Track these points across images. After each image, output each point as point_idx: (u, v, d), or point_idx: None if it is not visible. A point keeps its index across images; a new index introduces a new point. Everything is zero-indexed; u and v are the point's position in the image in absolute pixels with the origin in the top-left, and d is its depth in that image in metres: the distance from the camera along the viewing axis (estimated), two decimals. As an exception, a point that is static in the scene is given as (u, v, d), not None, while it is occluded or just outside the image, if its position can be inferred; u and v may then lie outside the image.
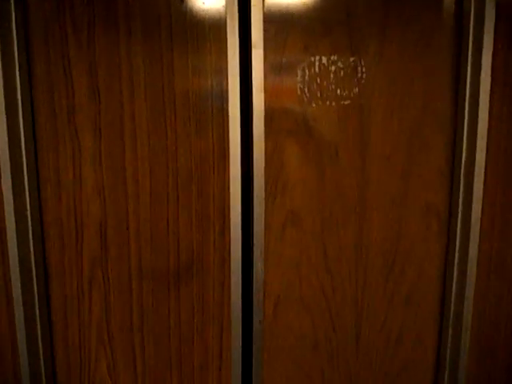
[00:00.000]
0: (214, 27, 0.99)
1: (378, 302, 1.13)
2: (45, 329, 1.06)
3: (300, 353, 1.13)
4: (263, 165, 1.02)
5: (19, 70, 0.94)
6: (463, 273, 1.10)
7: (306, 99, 1.02)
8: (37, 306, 1.03)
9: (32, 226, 1.01)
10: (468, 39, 1.03)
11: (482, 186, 1.06)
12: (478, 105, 1.03)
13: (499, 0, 1.00)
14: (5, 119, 0.93)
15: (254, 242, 1.04)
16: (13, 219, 0.98)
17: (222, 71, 1.00)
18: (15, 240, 0.99)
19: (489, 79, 1.02)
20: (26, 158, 0.98)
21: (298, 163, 1.04)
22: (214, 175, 1.03)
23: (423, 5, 1.02)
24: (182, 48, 0.99)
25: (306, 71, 1.02)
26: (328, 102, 1.03)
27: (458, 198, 1.08)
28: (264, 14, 0.98)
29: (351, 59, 1.02)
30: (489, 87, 1.02)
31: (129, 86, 0.99)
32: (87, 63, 0.98)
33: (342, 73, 1.02)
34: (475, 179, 1.06)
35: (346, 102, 1.03)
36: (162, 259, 1.06)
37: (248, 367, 1.12)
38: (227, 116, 1.01)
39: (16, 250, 0.99)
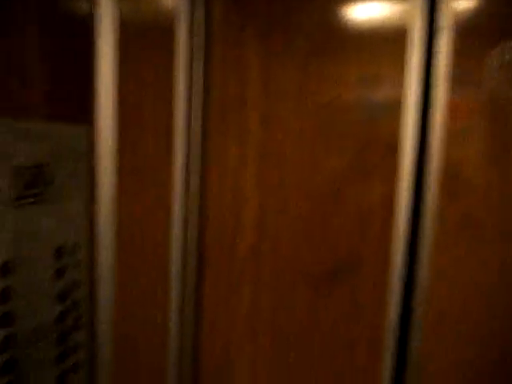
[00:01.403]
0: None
1: None
2: (195, 312, 1.06)
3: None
4: (440, 155, 0.91)
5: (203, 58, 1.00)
6: None
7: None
8: (190, 287, 1.05)
9: (199, 206, 1.03)
10: None
11: None
12: None
13: None
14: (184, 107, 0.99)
15: (421, 244, 0.93)
16: (179, 199, 0.99)
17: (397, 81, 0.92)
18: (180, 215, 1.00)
19: None
20: (198, 135, 1.02)
21: (482, 162, 0.92)
22: (379, 169, 0.96)
23: None
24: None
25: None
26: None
27: None
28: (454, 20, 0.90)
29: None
30: None
31: (296, 89, 0.98)
32: (261, 57, 0.99)
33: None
34: None
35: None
36: (318, 255, 1.00)
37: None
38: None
39: (180, 226, 1.00)
